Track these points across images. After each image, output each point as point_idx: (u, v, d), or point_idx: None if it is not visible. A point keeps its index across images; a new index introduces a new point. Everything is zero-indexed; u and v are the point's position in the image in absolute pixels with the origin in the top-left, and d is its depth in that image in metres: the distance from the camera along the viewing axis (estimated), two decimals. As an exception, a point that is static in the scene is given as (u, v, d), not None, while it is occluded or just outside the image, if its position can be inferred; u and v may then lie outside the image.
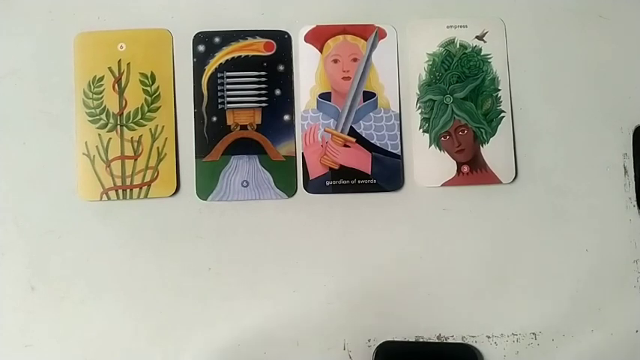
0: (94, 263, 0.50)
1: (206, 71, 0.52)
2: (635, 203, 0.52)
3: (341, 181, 0.52)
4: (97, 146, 0.51)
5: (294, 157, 0.52)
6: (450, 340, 0.50)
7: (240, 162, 0.52)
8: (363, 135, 0.52)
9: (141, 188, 0.51)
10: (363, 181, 0.52)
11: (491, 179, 0.52)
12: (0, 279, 0.50)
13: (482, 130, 0.52)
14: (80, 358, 0.50)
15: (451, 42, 0.53)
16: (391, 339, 0.50)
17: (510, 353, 0.51)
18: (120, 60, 0.52)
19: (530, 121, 0.53)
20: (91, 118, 0.51)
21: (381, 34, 0.53)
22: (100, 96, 0.51)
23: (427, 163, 0.52)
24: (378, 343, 0.50)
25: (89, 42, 0.52)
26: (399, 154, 0.52)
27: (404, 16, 0.53)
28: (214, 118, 0.52)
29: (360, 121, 0.52)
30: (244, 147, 0.52)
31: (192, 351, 0.50)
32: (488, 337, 0.51)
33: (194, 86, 0.52)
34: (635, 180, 0.53)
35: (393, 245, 0.51)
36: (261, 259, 0.51)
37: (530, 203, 0.52)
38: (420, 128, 0.52)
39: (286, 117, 0.52)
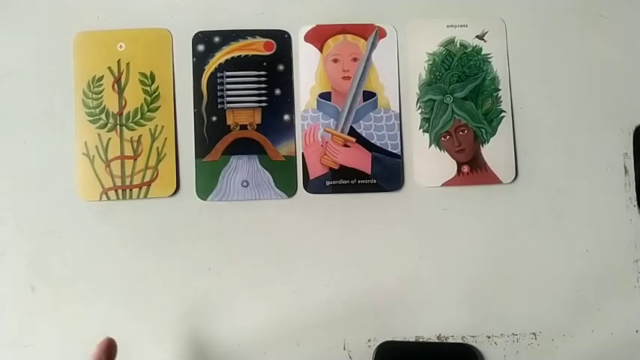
0: (94, 263, 0.50)
1: (206, 71, 0.52)
2: (635, 203, 0.52)
3: (341, 181, 0.52)
4: (96, 146, 0.51)
5: (294, 157, 0.52)
6: (450, 340, 0.50)
7: (240, 162, 0.52)
8: (363, 135, 0.52)
9: (141, 188, 0.51)
10: (363, 181, 0.52)
11: (492, 179, 0.52)
12: (0, 279, 0.50)
13: (482, 129, 0.52)
14: (80, 358, 0.49)
15: (451, 41, 0.53)
16: (391, 339, 0.50)
17: (510, 353, 0.51)
18: (119, 60, 0.52)
19: (530, 121, 0.53)
20: (90, 118, 0.51)
21: (381, 33, 0.53)
22: (100, 96, 0.51)
23: (427, 163, 0.52)
24: (378, 343, 0.50)
25: (89, 42, 0.52)
26: (399, 154, 0.52)
27: (404, 15, 0.53)
28: (214, 118, 0.52)
29: (360, 121, 0.52)
30: (244, 147, 0.52)
31: (193, 351, 0.50)
32: (489, 337, 0.51)
33: (194, 86, 0.52)
34: (635, 180, 0.52)
35: (393, 245, 0.51)
36: (261, 259, 0.51)
37: (530, 203, 0.52)
38: (420, 128, 0.52)
39: (286, 117, 0.52)
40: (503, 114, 0.53)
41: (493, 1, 0.54)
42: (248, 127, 0.52)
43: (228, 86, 0.52)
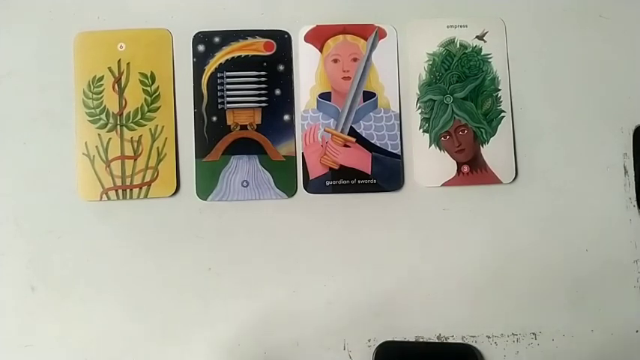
0: (94, 263, 0.50)
1: (206, 71, 0.52)
2: (635, 203, 0.52)
3: (341, 181, 0.52)
4: (96, 146, 0.51)
5: (294, 157, 0.52)
6: (450, 340, 0.50)
7: (240, 162, 0.52)
8: (363, 135, 0.52)
9: (141, 188, 0.51)
10: (363, 181, 0.52)
11: (491, 179, 0.52)
12: (0, 279, 0.50)
13: (482, 130, 0.52)
14: (80, 358, 0.50)
15: (451, 42, 0.53)
16: (391, 339, 0.50)
17: (510, 353, 0.51)
18: (120, 60, 0.52)
19: (530, 121, 0.53)
20: (90, 118, 0.51)
21: (381, 33, 0.53)
22: (100, 96, 0.51)
23: (427, 163, 0.52)
24: (378, 343, 0.50)
25: (89, 42, 0.52)
26: (399, 154, 0.52)
27: (404, 16, 0.53)
28: (214, 118, 0.52)
29: (360, 121, 0.52)
30: (244, 147, 0.52)
31: (193, 351, 0.50)
32: (488, 337, 0.51)
33: (194, 86, 0.52)
34: (635, 180, 0.53)
35: (393, 245, 0.51)
36: (261, 259, 0.51)
37: (530, 203, 0.52)
38: (420, 128, 0.52)
39: (286, 117, 0.52)
40: (503, 114, 0.53)
41: (493, 2, 0.54)
42: (248, 127, 0.52)
43: (228, 86, 0.52)
